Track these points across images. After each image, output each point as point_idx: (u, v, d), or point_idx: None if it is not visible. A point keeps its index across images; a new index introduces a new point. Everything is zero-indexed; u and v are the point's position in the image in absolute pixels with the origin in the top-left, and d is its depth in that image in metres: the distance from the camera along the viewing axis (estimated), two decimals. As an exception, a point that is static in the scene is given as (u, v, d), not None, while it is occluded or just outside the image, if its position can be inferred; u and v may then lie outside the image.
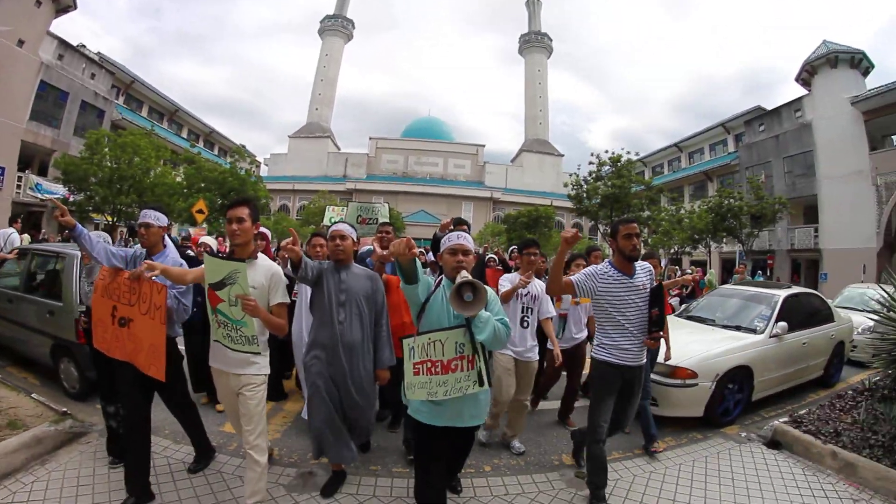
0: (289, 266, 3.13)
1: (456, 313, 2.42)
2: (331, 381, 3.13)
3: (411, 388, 2.48)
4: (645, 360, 3.42)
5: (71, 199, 17.63)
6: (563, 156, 62.39)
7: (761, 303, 6.11)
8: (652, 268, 3.50)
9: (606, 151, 25.33)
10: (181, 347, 3.70)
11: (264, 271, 2.98)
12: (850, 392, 5.34)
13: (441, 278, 2.69)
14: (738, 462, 4.24)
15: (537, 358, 4.21)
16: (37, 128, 21.40)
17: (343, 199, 49.57)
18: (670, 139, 44.57)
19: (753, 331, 5.69)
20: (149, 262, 2.93)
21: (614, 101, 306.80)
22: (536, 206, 35.51)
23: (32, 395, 3.99)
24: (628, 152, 25.33)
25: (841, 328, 6.81)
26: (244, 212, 2.95)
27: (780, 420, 4.78)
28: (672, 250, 26.25)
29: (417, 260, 2.42)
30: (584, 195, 25.48)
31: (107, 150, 17.44)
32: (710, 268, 23.41)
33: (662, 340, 4.09)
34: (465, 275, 2.37)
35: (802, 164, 25.74)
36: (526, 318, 4.11)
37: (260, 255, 3.09)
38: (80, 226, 3.13)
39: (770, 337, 5.56)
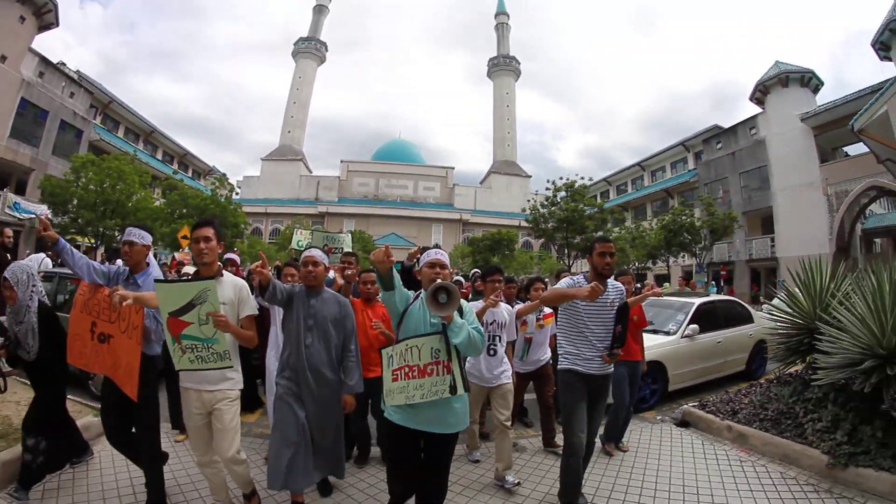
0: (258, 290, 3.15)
1: (432, 322, 2.59)
2: (298, 402, 3.11)
3: (390, 395, 2.58)
4: (610, 371, 3.48)
5: (55, 221, 17.80)
6: (530, 177, 64.12)
7: (680, 310, 6.99)
8: (623, 289, 3.60)
9: (561, 178, 27.19)
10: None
11: (231, 286, 3.07)
12: (763, 382, 5.99)
13: (420, 292, 2.79)
14: (649, 437, 5.02)
15: (509, 379, 4.20)
16: (16, 145, 21.34)
17: (315, 221, 50.04)
18: (638, 155, 45.97)
19: (668, 333, 6.60)
20: (121, 292, 2.88)
21: (583, 118, 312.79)
22: (499, 230, 36.74)
23: (69, 397, 4.21)
24: (581, 178, 27.15)
25: (759, 328, 7.61)
26: (209, 231, 3.04)
27: (690, 404, 5.61)
28: (632, 266, 27.40)
29: (395, 269, 2.59)
30: (541, 219, 27.22)
31: (92, 174, 17.93)
32: (668, 282, 24.43)
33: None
34: (440, 280, 2.54)
35: (758, 179, 27.24)
36: (493, 347, 4.12)
37: (225, 272, 3.18)
38: (62, 240, 3.20)
39: (682, 337, 6.50)
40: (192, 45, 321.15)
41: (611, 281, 3.48)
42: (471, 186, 63.45)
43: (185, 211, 22.49)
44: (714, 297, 7.98)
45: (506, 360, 4.23)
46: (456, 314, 2.53)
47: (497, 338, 4.16)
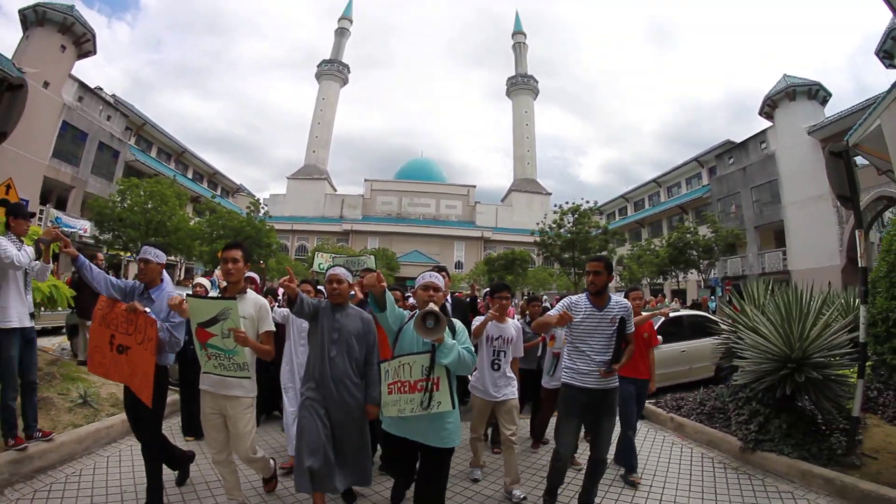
0: (283, 302, 3.48)
1: (424, 341, 2.71)
2: (323, 411, 3.18)
3: (386, 407, 2.82)
4: (613, 385, 3.49)
5: (101, 237, 19.70)
6: (550, 194, 64.22)
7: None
8: (628, 305, 3.58)
9: (567, 203, 28.85)
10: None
11: (252, 304, 3.30)
12: (721, 385, 6.62)
13: (415, 312, 2.96)
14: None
15: (514, 395, 4.15)
16: (58, 164, 22.69)
17: (340, 239, 51.26)
18: (659, 169, 46.28)
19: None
20: (135, 303, 3.19)
21: (604, 134, 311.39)
22: (513, 249, 37.62)
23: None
24: (587, 202, 28.81)
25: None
26: (238, 254, 3.31)
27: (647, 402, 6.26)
28: (644, 282, 28.15)
29: (388, 292, 2.84)
30: (549, 241, 28.62)
31: (141, 195, 19.62)
32: (674, 300, 25.06)
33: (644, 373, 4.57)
34: (431, 306, 2.67)
35: (769, 193, 27.23)
36: (497, 361, 4.12)
37: (248, 290, 3.41)
38: (81, 256, 3.41)
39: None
40: (217, 63, 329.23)
41: (616, 298, 3.58)
42: (492, 204, 64.18)
43: (222, 232, 24.38)
44: (683, 312, 8.77)
45: (512, 375, 4.18)
46: (448, 335, 2.69)
47: (502, 353, 4.15)
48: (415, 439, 2.76)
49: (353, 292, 4.62)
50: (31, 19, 21.56)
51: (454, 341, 2.71)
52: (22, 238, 3.92)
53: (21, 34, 22.04)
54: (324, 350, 3.24)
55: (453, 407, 2.67)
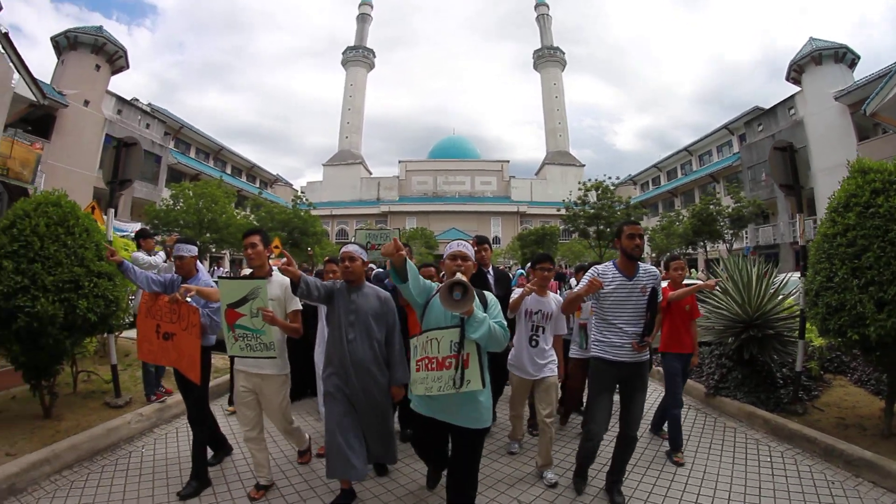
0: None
1: (452, 315, 2.52)
2: (345, 396, 3.14)
3: (414, 384, 2.61)
4: (644, 358, 3.32)
5: (158, 238, 21.35)
6: (584, 166, 64.58)
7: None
8: (657, 273, 3.40)
9: (589, 180, 29.80)
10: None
11: (279, 285, 3.40)
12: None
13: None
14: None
15: (553, 373, 3.92)
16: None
17: (378, 220, 52.76)
18: (697, 133, 45.40)
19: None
20: (185, 285, 3.42)
21: (638, 99, 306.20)
22: (543, 225, 38.54)
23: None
24: (609, 177, 29.73)
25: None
26: (257, 239, 3.43)
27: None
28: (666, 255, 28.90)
29: (409, 261, 2.57)
30: (574, 215, 29.38)
31: (192, 199, 21.45)
32: (700, 270, 25.42)
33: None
34: (458, 276, 2.48)
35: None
36: (535, 337, 3.90)
37: (274, 271, 3.50)
38: (125, 261, 3.60)
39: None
40: (239, 59, 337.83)
41: (644, 266, 3.38)
42: (526, 178, 64.70)
43: (271, 224, 26.27)
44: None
45: (551, 352, 3.96)
46: (478, 308, 2.51)
47: (541, 328, 3.91)
48: (444, 420, 2.61)
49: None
50: (63, 44, 23.00)
51: (485, 314, 2.51)
52: (149, 251, 5.56)
53: (56, 59, 23.52)
54: (342, 333, 3.17)
55: (483, 386, 2.49)
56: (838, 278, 3.93)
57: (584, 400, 4.15)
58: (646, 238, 30.56)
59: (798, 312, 4.98)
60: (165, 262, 5.49)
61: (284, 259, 2.98)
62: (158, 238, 22.86)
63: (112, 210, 5.47)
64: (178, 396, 4.64)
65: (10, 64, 13.75)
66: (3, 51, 12.92)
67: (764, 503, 3.36)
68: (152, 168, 28.04)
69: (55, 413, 4.45)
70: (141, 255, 5.51)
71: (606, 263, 3.44)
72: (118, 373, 5.05)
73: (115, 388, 4.95)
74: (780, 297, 5.52)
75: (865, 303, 3.70)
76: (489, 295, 2.77)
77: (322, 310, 4.39)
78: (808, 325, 4.93)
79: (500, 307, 2.74)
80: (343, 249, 3.37)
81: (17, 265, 3.85)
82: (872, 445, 3.87)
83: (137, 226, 23.49)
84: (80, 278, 4.12)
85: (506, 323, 2.63)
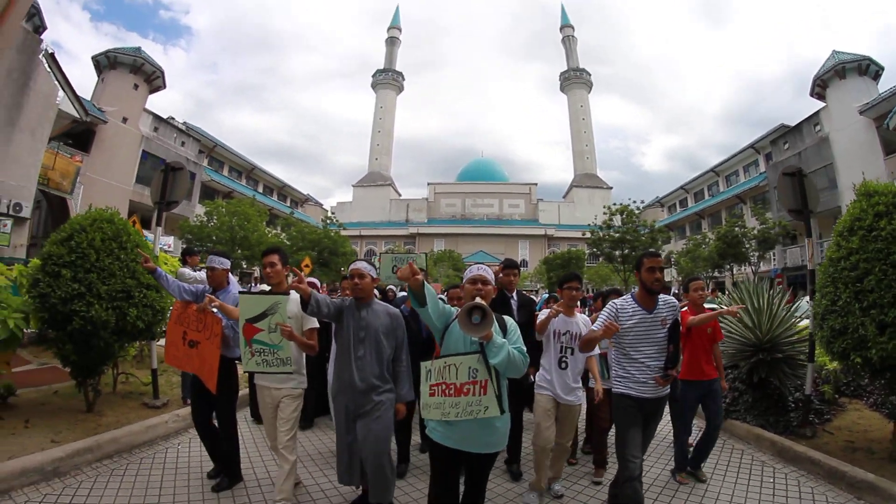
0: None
1: (472, 341, 2.49)
2: (350, 413, 3.16)
3: (427, 408, 2.57)
4: (665, 393, 3.28)
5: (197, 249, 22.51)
6: (611, 188, 64.22)
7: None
8: (676, 303, 3.35)
9: (614, 204, 30.08)
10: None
11: (296, 303, 3.29)
12: None
13: None
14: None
15: (580, 402, 3.91)
16: (141, 189, 24.75)
17: (407, 242, 53.41)
18: (725, 153, 44.42)
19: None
20: (209, 296, 3.61)
21: (665, 119, 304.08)
22: (569, 249, 38.43)
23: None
24: (634, 201, 29.93)
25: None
26: (275, 258, 3.45)
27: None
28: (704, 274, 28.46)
29: (427, 284, 2.51)
30: (599, 239, 29.44)
31: (225, 217, 22.28)
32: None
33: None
34: (477, 300, 2.48)
35: (825, 178, 25.44)
36: (564, 359, 3.81)
37: (291, 291, 3.37)
38: (159, 269, 3.81)
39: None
40: (272, 78, 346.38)
41: (664, 297, 3.30)
42: (554, 202, 64.76)
43: (301, 244, 27.07)
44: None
45: (578, 380, 3.92)
46: (497, 333, 2.48)
47: (569, 350, 3.82)
48: (457, 447, 2.52)
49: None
50: (103, 64, 24.06)
51: (504, 340, 2.47)
52: (193, 266, 6.12)
53: (95, 78, 24.54)
54: (350, 350, 3.18)
55: (501, 412, 2.44)
56: (842, 301, 4.06)
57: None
58: (672, 261, 30.61)
59: (808, 336, 5.08)
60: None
61: (296, 277, 3.02)
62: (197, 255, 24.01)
63: (159, 228, 5.93)
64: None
65: (56, 82, 14.54)
66: (49, 69, 13.72)
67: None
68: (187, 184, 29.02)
69: (97, 409, 4.83)
70: (187, 271, 5.94)
71: (625, 297, 3.38)
72: (157, 376, 5.41)
73: (154, 390, 5.32)
74: (793, 320, 5.59)
75: (867, 325, 3.81)
76: (509, 320, 2.72)
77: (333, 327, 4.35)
78: (819, 349, 4.99)
79: (519, 333, 2.69)
80: (352, 266, 3.39)
81: (75, 274, 4.27)
82: (878, 468, 3.93)
83: (171, 239, 24.51)
84: (132, 289, 4.54)
85: (525, 349, 2.56)
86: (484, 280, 2.73)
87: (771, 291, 5.82)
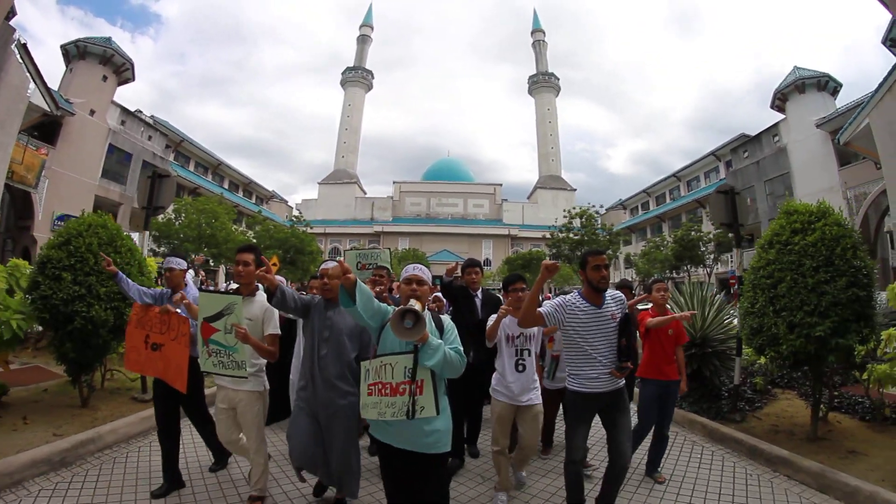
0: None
1: (408, 340, 2.40)
2: (312, 411, 3.19)
3: (365, 408, 2.53)
4: (620, 385, 3.28)
5: (157, 250, 22.13)
6: (574, 190, 65.86)
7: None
8: (624, 297, 3.42)
9: (574, 208, 31.89)
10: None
11: (260, 305, 3.36)
12: None
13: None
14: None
15: (539, 400, 3.85)
16: (107, 184, 24.67)
17: (371, 240, 53.48)
18: (689, 158, 46.03)
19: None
20: (181, 293, 3.69)
21: (632, 124, 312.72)
22: (531, 250, 40.04)
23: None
24: (593, 205, 31.76)
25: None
26: (250, 257, 3.35)
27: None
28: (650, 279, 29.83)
29: (361, 284, 2.47)
30: (558, 241, 30.97)
31: (193, 214, 22.22)
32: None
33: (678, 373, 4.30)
34: (412, 303, 2.43)
35: (782, 186, 27.11)
36: (522, 361, 3.78)
37: (258, 292, 3.43)
38: (120, 273, 3.91)
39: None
40: (240, 72, 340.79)
41: (610, 292, 3.35)
42: (518, 202, 66.03)
43: (268, 243, 27.14)
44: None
45: (536, 378, 3.89)
46: (434, 334, 2.48)
47: (525, 352, 3.80)
48: (400, 446, 2.50)
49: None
50: (73, 53, 23.49)
51: (440, 341, 2.46)
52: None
53: (59, 63, 23.89)
54: (314, 348, 3.20)
55: (438, 413, 2.43)
56: (759, 305, 4.74)
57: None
58: (631, 262, 32.03)
59: (736, 334, 5.76)
60: (194, 277, 6.23)
61: (263, 267, 3.00)
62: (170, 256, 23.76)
63: (147, 232, 6.26)
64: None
65: (27, 74, 14.32)
66: (20, 61, 13.56)
67: (693, 494, 4.03)
68: (152, 180, 28.68)
69: (91, 404, 5.16)
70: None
71: (572, 294, 3.38)
72: (144, 372, 5.75)
73: (143, 385, 5.67)
74: (727, 319, 6.29)
75: (779, 325, 4.49)
76: (446, 319, 2.71)
77: (300, 322, 4.50)
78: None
79: (456, 333, 2.67)
80: (322, 267, 3.42)
81: (75, 277, 4.62)
82: (796, 447, 4.56)
83: (135, 236, 24.37)
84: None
85: (462, 349, 2.55)
86: (419, 280, 2.70)
87: (709, 294, 6.51)
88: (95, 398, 5.37)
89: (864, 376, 5.27)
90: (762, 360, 6.66)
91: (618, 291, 3.51)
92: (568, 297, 3.33)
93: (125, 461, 4.18)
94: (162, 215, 23.64)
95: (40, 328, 5.37)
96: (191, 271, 6.32)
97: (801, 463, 4.21)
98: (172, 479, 3.67)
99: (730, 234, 26.06)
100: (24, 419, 4.64)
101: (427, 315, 2.50)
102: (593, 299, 3.25)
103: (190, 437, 4.49)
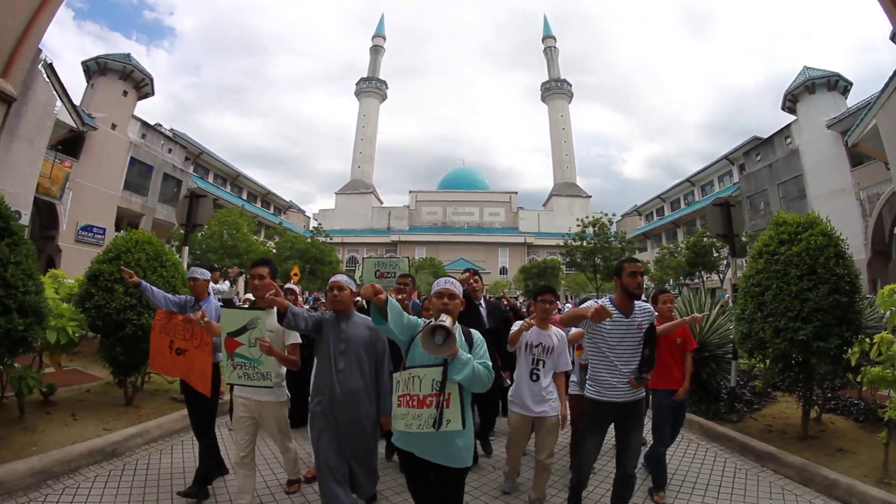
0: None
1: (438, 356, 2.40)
2: (333, 427, 3.12)
3: (395, 419, 2.55)
4: (640, 395, 3.28)
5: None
6: (590, 196, 65.85)
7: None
8: (652, 310, 3.41)
9: (587, 217, 31.94)
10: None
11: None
12: None
13: (430, 320, 2.55)
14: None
15: (556, 412, 3.81)
16: (129, 195, 25.54)
17: (388, 250, 53.87)
18: (705, 161, 45.56)
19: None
20: (203, 311, 3.78)
21: (646, 128, 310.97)
22: (545, 258, 39.95)
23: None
24: (605, 214, 31.57)
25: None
26: (265, 270, 3.37)
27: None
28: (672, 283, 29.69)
29: (391, 301, 2.47)
30: (573, 251, 31.02)
31: (215, 226, 22.61)
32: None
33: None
34: (443, 318, 2.40)
35: (795, 188, 27.06)
36: (536, 371, 3.79)
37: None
38: (143, 282, 4.04)
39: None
40: (255, 82, 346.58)
41: (638, 303, 3.32)
42: (534, 210, 66.23)
43: (289, 253, 27.73)
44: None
45: (552, 389, 3.83)
46: (463, 348, 2.49)
47: (541, 362, 3.80)
48: (422, 456, 2.53)
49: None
50: (93, 69, 24.34)
51: (469, 355, 2.46)
52: (214, 281, 6.67)
53: (78, 77, 24.85)
54: (331, 363, 3.16)
55: (464, 427, 2.43)
56: (748, 311, 5.10)
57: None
58: (645, 269, 31.97)
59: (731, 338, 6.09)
60: (230, 288, 6.75)
61: (273, 290, 2.97)
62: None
63: (186, 248, 6.88)
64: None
65: (54, 92, 14.91)
66: (47, 79, 14.23)
67: (683, 484, 4.38)
68: (173, 191, 29.29)
69: (134, 403, 5.68)
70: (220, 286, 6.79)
71: (603, 300, 3.36)
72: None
73: (181, 387, 6.11)
74: (727, 325, 6.57)
75: (766, 330, 4.85)
76: (476, 334, 2.67)
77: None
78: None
79: (486, 347, 2.64)
80: (332, 279, 3.38)
81: (126, 289, 5.15)
82: (786, 445, 4.90)
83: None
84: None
85: (491, 364, 2.55)
86: (451, 294, 2.67)
87: (709, 301, 6.85)
88: (137, 398, 5.86)
89: (858, 379, 5.55)
90: (760, 364, 7.00)
91: (647, 304, 3.48)
92: (601, 301, 3.32)
93: (171, 452, 4.70)
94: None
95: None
96: (226, 282, 6.84)
97: (786, 458, 4.55)
98: (215, 465, 3.96)
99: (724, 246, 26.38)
100: (73, 416, 5.14)
101: (457, 329, 2.50)
102: (624, 308, 3.26)
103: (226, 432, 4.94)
